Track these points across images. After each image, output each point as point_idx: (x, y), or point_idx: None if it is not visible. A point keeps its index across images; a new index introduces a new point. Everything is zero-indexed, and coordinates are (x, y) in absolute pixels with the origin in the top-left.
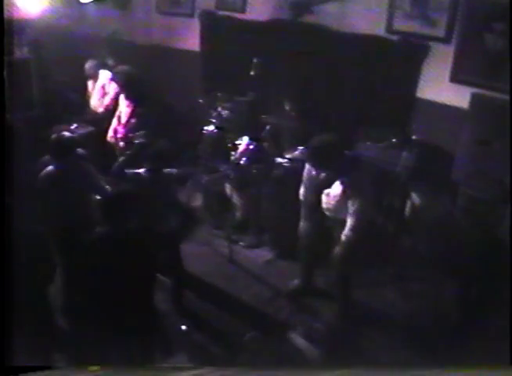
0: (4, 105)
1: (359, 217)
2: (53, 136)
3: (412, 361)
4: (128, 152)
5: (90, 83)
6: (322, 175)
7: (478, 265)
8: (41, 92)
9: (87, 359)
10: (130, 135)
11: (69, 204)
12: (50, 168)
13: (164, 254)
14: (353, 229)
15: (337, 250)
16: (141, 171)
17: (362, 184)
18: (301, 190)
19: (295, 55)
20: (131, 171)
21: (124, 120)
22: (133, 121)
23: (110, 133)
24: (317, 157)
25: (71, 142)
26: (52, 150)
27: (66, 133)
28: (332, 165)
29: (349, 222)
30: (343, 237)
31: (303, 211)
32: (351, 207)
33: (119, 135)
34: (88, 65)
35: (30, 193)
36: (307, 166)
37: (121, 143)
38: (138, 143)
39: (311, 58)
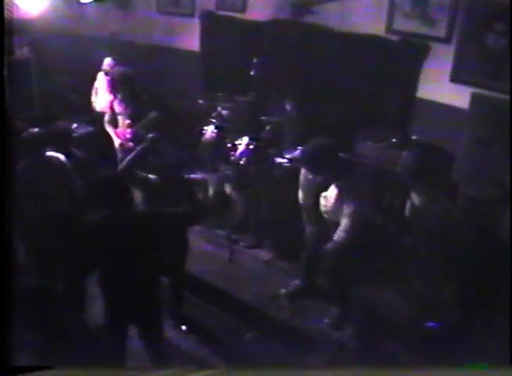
0: (4, 105)
1: (353, 219)
2: (22, 133)
3: (412, 361)
4: (133, 154)
5: (96, 81)
6: (318, 178)
7: (478, 264)
8: (41, 92)
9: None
10: (128, 136)
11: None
12: (21, 163)
13: (168, 254)
14: (346, 230)
15: (328, 248)
16: (151, 176)
17: (358, 186)
18: (300, 194)
19: (295, 55)
20: (141, 174)
21: (120, 121)
22: (129, 121)
23: (115, 137)
24: (311, 162)
25: (37, 139)
26: (22, 146)
27: (34, 130)
28: (327, 169)
29: (343, 222)
30: (335, 237)
31: (304, 215)
32: (346, 208)
33: (117, 136)
34: (107, 63)
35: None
36: (302, 170)
37: (120, 144)
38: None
39: (311, 58)
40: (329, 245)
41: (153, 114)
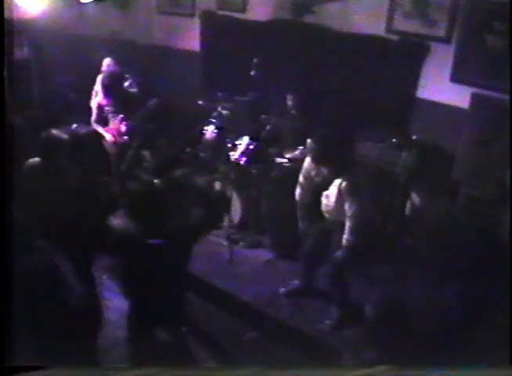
0: (4, 105)
1: (358, 220)
2: (43, 134)
3: (412, 361)
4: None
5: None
6: (321, 175)
7: (478, 265)
8: (41, 92)
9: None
10: (122, 130)
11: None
12: (36, 159)
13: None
14: (353, 232)
15: (340, 254)
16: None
17: (359, 186)
18: (297, 191)
19: (295, 55)
20: (146, 176)
21: (110, 119)
22: (122, 116)
23: (106, 134)
24: (322, 149)
25: (58, 141)
26: (41, 147)
27: (55, 131)
28: (332, 162)
29: (348, 225)
30: (344, 241)
31: (299, 212)
32: (349, 209)
33: (109, 132)
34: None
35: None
36: (305, 165)
37: (112, 139)
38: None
39: (311, 58)
40: (339, 253)
41: (152, 102)
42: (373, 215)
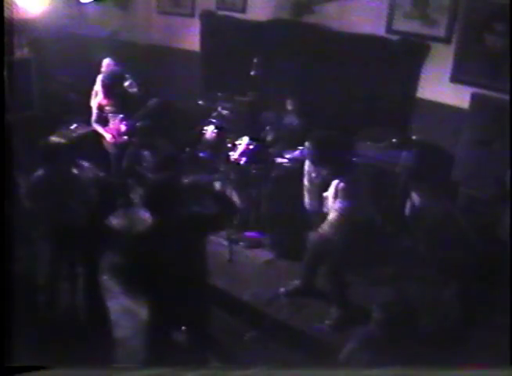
0: (4, 105)
1: (338, 215)
2: (41, 141)
3: (412, 361)
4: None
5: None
6: (320, 176)
7: (478, 264)
8: (41, 92)
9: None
10: (122, 129)
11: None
12: (39, 172)
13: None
14: (329, 224)
15: (310, 239)
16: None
17: (356, 187)
18: (306, 199)
19: (295, 55)
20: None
21: (110, 119)
22: (122, 116)
23: (106, 134)
24: (319, 151)
25: (58, 148)
26: (41, 155)
27: (54, 138)
28: (331, 162)
29: (330, 217)
30: (319, 229)
31: (308, 217)
32: (337, 204)
33: (109, 132)
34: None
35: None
36: (306, 168)
37: (112, 139)
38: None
39: (311, 58)
40: (311, 236)
41: (152, 102)
42: (372, 214)
